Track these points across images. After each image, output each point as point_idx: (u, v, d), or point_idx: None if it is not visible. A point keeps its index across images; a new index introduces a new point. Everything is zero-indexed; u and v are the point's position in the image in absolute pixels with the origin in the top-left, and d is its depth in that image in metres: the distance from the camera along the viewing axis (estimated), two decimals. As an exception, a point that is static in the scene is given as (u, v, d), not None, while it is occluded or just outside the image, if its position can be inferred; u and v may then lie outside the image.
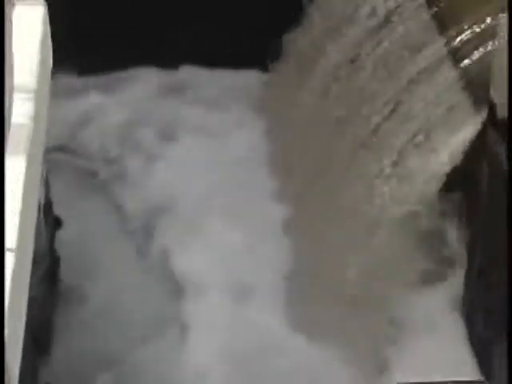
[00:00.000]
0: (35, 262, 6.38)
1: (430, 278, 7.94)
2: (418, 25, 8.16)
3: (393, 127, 7.95)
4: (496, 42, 6.94)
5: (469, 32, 7.61)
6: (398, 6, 8.40)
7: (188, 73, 10.56)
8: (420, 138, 7.58)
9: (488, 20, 7.42)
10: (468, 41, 7.60)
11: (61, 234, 8.53)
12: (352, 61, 8.75)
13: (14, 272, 4.93)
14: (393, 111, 7.99)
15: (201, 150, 9.88)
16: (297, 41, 9.90)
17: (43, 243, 7.58)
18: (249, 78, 10.56)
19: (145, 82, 10.59)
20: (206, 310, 8.41)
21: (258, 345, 8.01)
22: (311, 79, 9.34)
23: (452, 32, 7.75)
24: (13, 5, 5.93)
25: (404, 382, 6.71)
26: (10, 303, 4.73)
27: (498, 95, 6.87)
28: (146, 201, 9.48)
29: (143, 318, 8.33)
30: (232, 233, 9.02)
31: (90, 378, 7.76)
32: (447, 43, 7.76)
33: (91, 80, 10.47)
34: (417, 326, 7.80)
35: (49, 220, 8.09)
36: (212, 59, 10.36)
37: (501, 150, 6.84)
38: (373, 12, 8.69)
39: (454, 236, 7.98)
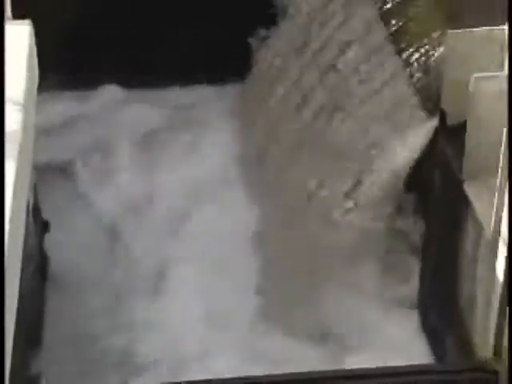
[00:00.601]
0: (26, 261, 6.43)
1: (388, 271, 7.99)
2: (376, 43, 8.26)
3: (353, 133, 8.06)
4: (444, 57, 7.06)
5: (421, 48, 7.70)
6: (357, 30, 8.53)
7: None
8: (379, 143, 7.69)
9: (437, 38, 7.50)
10: (421, 56, 7.68)
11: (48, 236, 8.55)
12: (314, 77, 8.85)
13: (5, 270, 4.96)
14: (353, 120, 8.11)
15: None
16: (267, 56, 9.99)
17: (33, 244, 7.59)
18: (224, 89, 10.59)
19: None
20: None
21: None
22: (279, 90, 9.43)
23: (406, 49, 7.85)
24: (1, 24, 5.96)
25: (358, 367, 6.71)
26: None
27: (448, 105, 6.98)
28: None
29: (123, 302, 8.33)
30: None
31: (80, 366, 7.73)
32: (402, 58, 7.87)
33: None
34: (374, 313, 7.83)
35: (37, 222, 8.10)
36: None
37: (451, 154, 6.95)
38: (333, 33, 8.81)
39: (412, 234, 8.00)
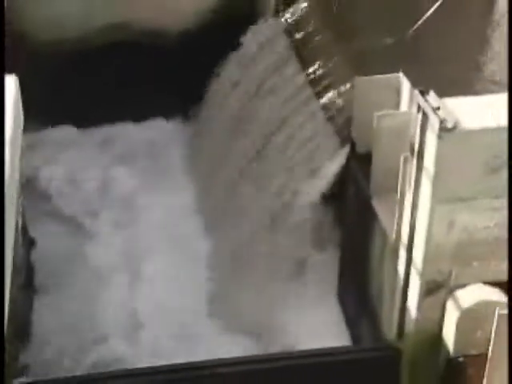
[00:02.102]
0: (16, 272, 6.40)
1: (314, 268, 7.99)
2: (296, 88, 8.33)
3: (282, 158, 8.09)
4: (353, 99, 7.10)
5: (335, 91, 7.78)
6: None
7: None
8: (303, 167, 7.70)
9: (348, 83, 7.53)
10: (335, 98, 7.75)
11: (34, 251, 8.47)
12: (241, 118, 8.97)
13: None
14: (283, 148, 8.13)
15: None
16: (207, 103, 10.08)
17: (21, 258, 7.54)
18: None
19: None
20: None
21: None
22: (218, 130, 9.51)
23: (323, 92, 7.92)
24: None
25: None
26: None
27: (357, 137, 7.06)
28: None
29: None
30: None
31: (58, 359, 7.64)
32: (320, 100, 7.93)
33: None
34: (303, 302, 7.83)
35: (25, 240, 8.04)
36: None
37: (361, 176, 6.99)
38: (257, 80, 8.93)
39: (329, 241, 7.98)
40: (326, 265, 7.97)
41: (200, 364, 6.03)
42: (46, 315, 8.00)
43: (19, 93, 6.35)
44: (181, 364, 6.09)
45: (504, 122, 5.32)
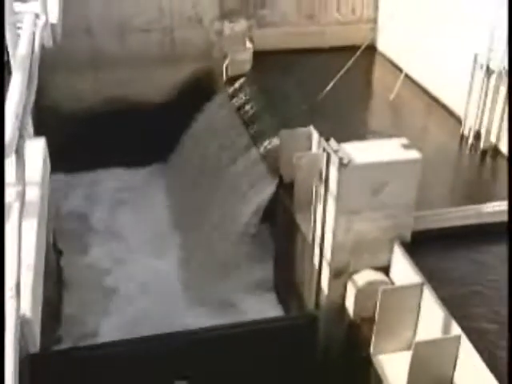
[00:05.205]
0: (49, 274, 6.29)
1: (255, 265, 7.91)
2: (240, 140, 8.30)
3: (228, 190, 8.01)
4: (280, 144, 7.05)
5: (267, 140, 7.83)
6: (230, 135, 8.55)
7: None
8: (244, 194, 7.60)
9: (275, 134, 7.49)
10: (267, 145, 7.77)
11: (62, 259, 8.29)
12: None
13: (33, 280, 4.88)
14: (228, 181, 8.08)
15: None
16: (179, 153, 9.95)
17: (53, 264, 7.43)
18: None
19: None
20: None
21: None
22: (187, 172, 9.41)
23: (259, 141, 7.95)
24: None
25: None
26: (32, 298, 4.65)
27: (284, 171, 7.02)
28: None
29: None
30: None
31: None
32: (257, 146, 7.94)
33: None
34: (247, 288, 7.76)
35: (55, 251, 7.92)
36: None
37: (287, 199, 6.94)
38: (213, 135, 8.87)
39: (266, 246, 7.89)
40: (263, 262, 7.89)
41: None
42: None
43: (47, 149, 6.26)
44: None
45: (381, 159, 5.41)
